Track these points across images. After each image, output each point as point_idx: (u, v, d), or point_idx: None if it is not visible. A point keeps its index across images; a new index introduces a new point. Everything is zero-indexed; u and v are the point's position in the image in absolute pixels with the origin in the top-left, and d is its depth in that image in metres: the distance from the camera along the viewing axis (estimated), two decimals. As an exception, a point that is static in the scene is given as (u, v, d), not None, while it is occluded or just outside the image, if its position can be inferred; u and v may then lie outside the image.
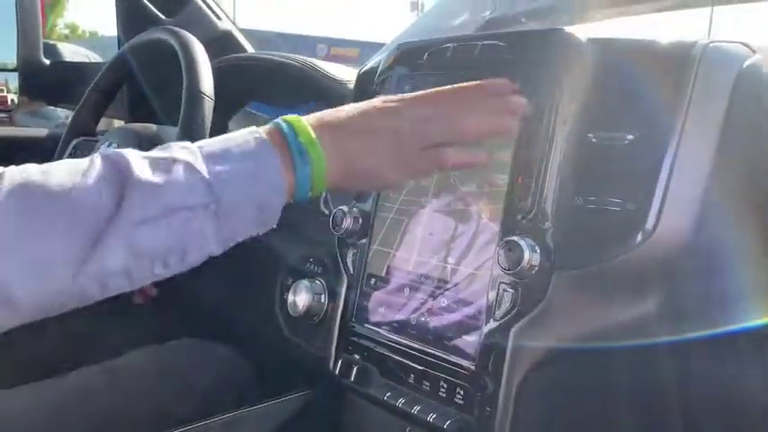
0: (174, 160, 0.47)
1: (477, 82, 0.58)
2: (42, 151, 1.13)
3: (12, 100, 1.41)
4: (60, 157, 1.01)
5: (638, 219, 0.54)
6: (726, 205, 0.55)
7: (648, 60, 0.57)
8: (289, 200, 0.52)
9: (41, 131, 1.27)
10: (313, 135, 0.51)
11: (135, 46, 0.98)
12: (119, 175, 0.45)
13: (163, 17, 1.16)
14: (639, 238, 0.54)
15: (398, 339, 0.67)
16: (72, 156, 1.01)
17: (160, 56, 0.93)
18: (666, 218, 0.53)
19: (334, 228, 0.73)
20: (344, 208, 0.73)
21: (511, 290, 0.58)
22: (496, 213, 0.61)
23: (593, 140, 0.58)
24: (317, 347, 0.76)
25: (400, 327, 0.67)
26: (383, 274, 0.70)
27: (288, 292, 0.81)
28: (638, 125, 0.56)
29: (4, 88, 1.46)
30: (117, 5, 1.20)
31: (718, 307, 0.55)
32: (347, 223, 0.72)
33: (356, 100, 0.81)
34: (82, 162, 0.46)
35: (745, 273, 0.55)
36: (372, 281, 0.71)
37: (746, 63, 0.56)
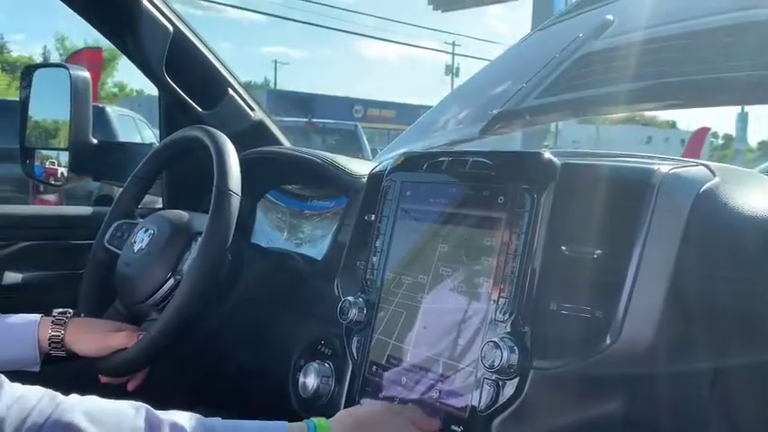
0: None
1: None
2: (87, 228, 1.24)
3: (62, 173, 1.53)
4: (102, 237, 1.11)
5: (605, 325, 0.61)
6: (684, 315, 0.61)
7: (614, 185, 0.64)
8: None
9: (87, 210, 1.38)
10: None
11: (173, 141, 1.09)
12: None
13: (200, 110, 1.27)
14: (606, 343, 0.60)
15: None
16: (113, 236, 1.11)
17: (195, 150, 1.04)
18: (629, 326, 0.60)
19: (340, 316, 0.81)
20: (351, 298, 0.81)
21: (492, 386, 0.65)
22: (482, 314, 0.68)
23: (567, 253, 0.65)
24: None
25: (396, 413, 0.73)
26: (383, 362, 0.77)
27: (300, 372, 0.89)
28: (606, 241, 0.63)
29: (56, 162, 1.59)
30: (159, 97, 1.33)
31: (676, 413, 0.61)
32: (353, 313, 0.80)
33: (366, 196, 0.90)
34: (128, 410, 0.58)
35: (700, 380, 0.60)
36: (374, 368, 0.78)
37: (704, 187, 0.63)
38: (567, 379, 0.62)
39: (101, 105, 7.01)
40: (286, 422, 0.65)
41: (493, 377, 0.64)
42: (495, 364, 0.63)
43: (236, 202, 0.91)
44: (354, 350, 0.81)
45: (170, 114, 1.32)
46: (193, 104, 1.26)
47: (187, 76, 1.26)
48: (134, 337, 0.93)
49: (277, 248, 1.18)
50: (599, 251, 0.63)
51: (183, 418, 0.60)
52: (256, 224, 1.28)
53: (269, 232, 1.24)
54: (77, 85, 1.38)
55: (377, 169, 0.91)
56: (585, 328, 0.62)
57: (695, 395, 0.62)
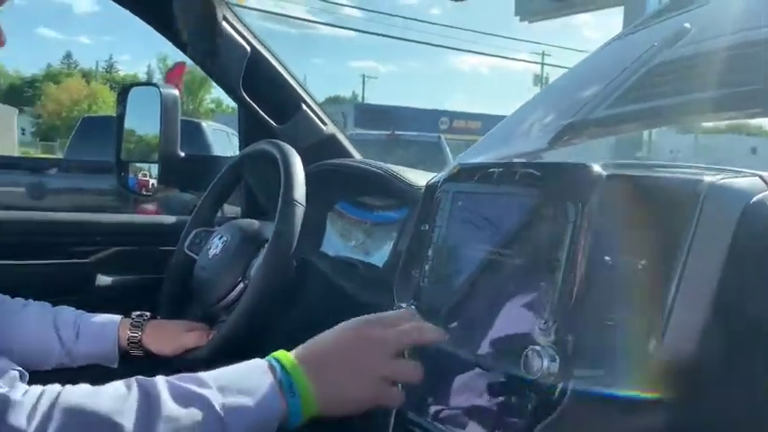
0: (195, 395, 0.60)
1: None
2: (169, 236, 1.34)
3: (153, 184, 1.65)
4: (183, 244, 1.20)
5: (647, 337, 0.61)
6: (728, 332, 0.60)
7: (659, 196, 0.64)
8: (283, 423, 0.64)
9: (170, 219, 1.48)
10: (301, 373, 0.65)
11: (247, 155, 1.16)
12: (149, 408, 0.58)
13: (274, 124, 1.35)
14: (647, 354, 0.60)
15: (443, 430, 0.75)
16: (192, 242, 1.19)
17: (267, 163, 1.11)
18: (670, 338, 0.59)
19: (397, 322, 0.84)
20: (404, 305, 0.84)
21: (533, 393, 0.66)
22: (526, 322, 0.69)
23: (611, 263, 0.65)
24: (382, 427, 0.86)
25: (445, 419, 0.75)
26: (432, 368, 0.79)
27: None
28: (650, 252, 0.63)
29: (148, 173, 1.72)
30: (239, 112, 1.41)
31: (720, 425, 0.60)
32: (407, 319, 0.82)
33: (423, 206, 0.93)
34: (122, 390, 0.59)
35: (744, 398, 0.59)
36: (426, 372, 0.80)
37: (754, 199, 0.62)
38: (607, 389, 0.62)
39: (197, 121, 7.41)
40: (261, 360, 0.66)
41: (534, 385, 0.65)
42: (536, 372, 0.64)
43: (300, 211, 0.97)
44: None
45: (248, 128, 1.40)
46: (268, 119, 1.34)
47: (263, 92, 1.34)
48: (205, 337, 1.00)
49: (343, 256, 1.22)
50: (643, 262, 0.63)
51: (172, 377, 0.63)
52: (326, 234, 1.33)
53: (337, 241, 1.29)
54: (167, 103, 1.49)
55: (433, 180, 0.94)
56: (627, 338, 0.62)
57: (736, 413, 0.60)
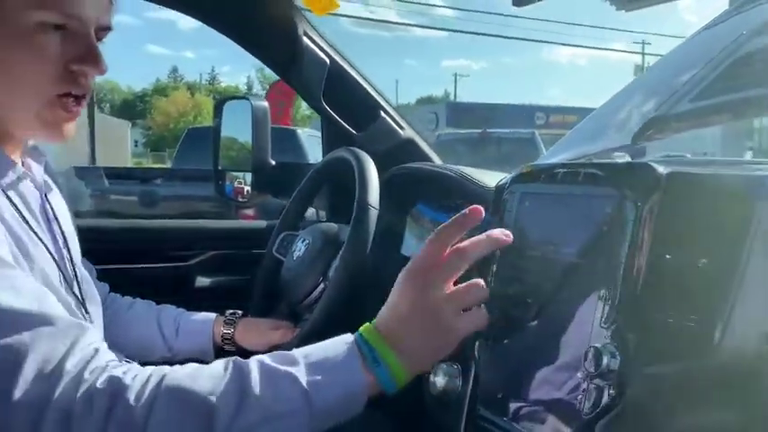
0: (282, 373, 0.64)
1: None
2: (261, 239, 1.42)
3: (247, 191, 1.77)
4: (272, 247, 1.28)
5: (708, 336, 0.61)
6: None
7: (721, 193, 0.64)
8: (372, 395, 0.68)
9: (261, 224, 1.58)
10: (384, 344, 0.69)
11: (326, 162, 1.22)
12: (241, 386, 0.63)
13: (354, 131, 1.41)
14: (708, 353, 0.60)
15: (507, 425, 0.77)
16: (280, 245, 1.26)
17: (345, 170, 1.16)
18: (730, 338, 0.59)
19: (464, 320, 0.87)
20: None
21: (595, 390, 0.67)
22: (589, 320, 0.70)
23: (672, 261, 0.65)
24: (453, 424, 0.89)
25: (511, 413, 0.78)
26: (499, 366, 0.82)
27: (432, 372, 0.96)
28: (712, 251, 0.63)
29: (243, 182, 1.84)
30: (321, 121, 1.49)
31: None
32: (475, 319, 0.85)
33: (493, 208, 0.95)
34: (220, 370, 0.64)
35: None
36: (495, 369, 0.83)
37: (822, 195, 0.60)
38: (669, 387, 0.63)
39: (292, 128, 7.69)
40: (350, 336, 0.71)
41: (596, 381, 0.67)
42: (597, 369, 0.65)
43: (373, 214, 1.01)
44: (477, 353, 0.87)
45: (329, 136, 1.47)
46: (347, 127, 1.40)
47: (342, 101, 1.40)
48: (290, 335, 1.06)
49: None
50: (704, 260, 0.63)
51: (265, 356, 0.68)
52: (405, 236, 1.38)
53: (415, 243, 1.33)
54: (257, 114, 1.58)
55: (502, 181, 0.96)
56: (688, 336, 0.62)
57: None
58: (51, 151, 0.96)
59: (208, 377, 0.64)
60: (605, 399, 0.66)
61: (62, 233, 0.88)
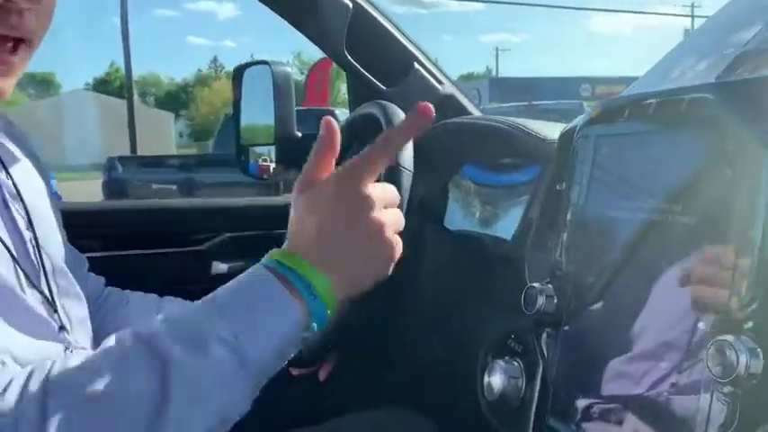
0: (203, 335, 0.50)
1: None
2: (282, 218, 1.25)
3: (273, 169, 1.59)
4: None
5: None
6: None
7: None
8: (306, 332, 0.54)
9: (282, 200, 1.40)
10: (313, 269, 0.54)
11: (350, 121, 1.03)
12: (160, 366, 0.47)
13: (383, 87, 1.21)
14: None
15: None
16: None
17: (374, 128, 0.97)
18: None
19: (525, 307, 0.67)
20: (538, 285, 0.67)
21: (726, 403, 0.47)
22: (712, 304, 0.49)
23: (840, 214, 0.44)
24: (513, 434, 0.70)
25: (593, 428, 0.58)
26: (582, 364, 0.62)
27: (486, 371, 0.77)
28: None
29: (267, 158, 1.66)
30: (347, 77, 1.29)
31: None
32: (540, 303, 0.66)
33: (558, 161, 0.75)
34: (120, 352, 0.49)
35: None
36: (569, 370, 0.63)
37: None
38: None
39: (330, 109, 7.55)
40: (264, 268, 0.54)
41: (726, 391, 0.46)
42: (729, 373, 0.45)
43: (407, 178, 0.82)
44: (545, 347, 0.67)
45: (356, 95, 1.28)
46: (375, 81, 1.20)
47: (369, 53, 1.21)
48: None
49: (466, 230, 1.06)
50: None
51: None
52: (448, 206, 1.18)
53: (460, 213, 1.13)
54: (278, 81, 1.39)
55: (569, 127, 0.75)
56: None
57: None
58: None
59: (111, 369, 0.48)
60: (741, 414, 0.46)
61: (26, 213, 0.71)
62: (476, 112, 1.30)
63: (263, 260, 0.55)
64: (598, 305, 0.61)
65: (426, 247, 1.05)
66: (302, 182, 0.59)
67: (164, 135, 24.28)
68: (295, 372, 0.96)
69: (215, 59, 65.24)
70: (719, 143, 0.51)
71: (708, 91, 0.54)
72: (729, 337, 0.46)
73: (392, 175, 0.82)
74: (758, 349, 0.45)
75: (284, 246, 0.56)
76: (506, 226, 0.99)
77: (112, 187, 6.27)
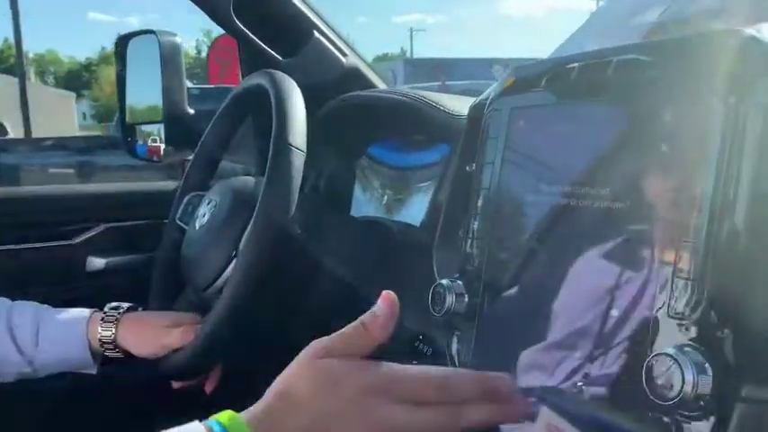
0: None
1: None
2: (169, 206, 1.11)
3: (164, 149, 1.43)
4: (175, 214, 0.97)
5: None
6: None
7: None
8: None
9: (170, 185, 1.25)
10: None
11: (237, 94, 0.90)
12: None
13: (280, 58, 1.08)
14: None
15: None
16: (184, 212, 0.95)
17: (264, 102, 0.85)
18: None
19: (433, 308, 0.58)
20: (446, 281, 0.58)
21: (669, 428, 0.39)
22: (646, 307, 0.41)
23: (798, 198, 0.36)
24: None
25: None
26: (496, 367, 0.53)
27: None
28: None
29: (158, 138, 1.49)
30: (239, 48, 1.16)
31: None
32: (449, 302, 0.57)
33: (466, 138, 0.66)
34: None
35: None
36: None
37: None
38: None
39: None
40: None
41: (670, 414, 0.38)
42: (672, 392, 0.37)
43: (298, 159, 0.71)
44: (455, 351, 0.58)
45: (247, 65, 1.14)
46: (271, 52, 1.07)
47: (263, 20, 1.07)
48: (191, 334, 0.76)
49: (372, 217, 0.96)
50: None
51: None
52: (355, 192, 1.07)
53: (366, 199, 1.03)
54: (165, 52, 1.24)
55: (479, 99, 0.66)
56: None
57: None
58: None
59: None
60: (689, 444, 0.38)
61: None
62: (380, 85, 1.19)
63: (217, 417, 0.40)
64: (513, 302, 0.53)
65: (329, 236, 0.94)
66: (327, 348, 0.42)
67: (66, 116, 22.86)
68: (176, 385, 0.84)
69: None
70: (658, 110, 0.43)
71: (639, 51, 0.45)
72: (670, 350, 0.38)
73: (281, 154, 0.70)
74: (705, 364, 0.37)
75: (244, 413, 0.40)
76: (415, 212, 0.89)
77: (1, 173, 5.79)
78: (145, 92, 1.55)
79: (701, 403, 0.37)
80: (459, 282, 0.57)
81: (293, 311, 0.82)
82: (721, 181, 0.38)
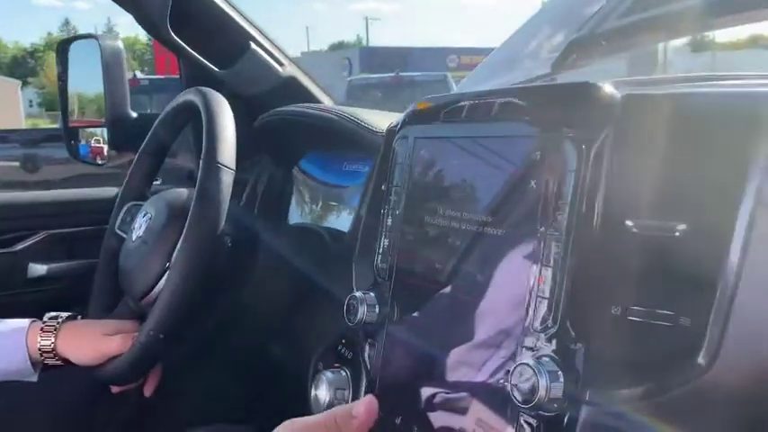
0: None
1: None
2: (109, 210, 1.13)
3: (107, 152, 1.45)
4: (114, 223, 1.00)
5: (696, 338, 0.39)
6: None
7: (705, 121, 0.42)
8: None
9: (110, 191, 1.28)
10: None
11: (173, 108, 0.94)
12: None
13: (216, 69, 1.12)
14: (698, 363, 0.39)
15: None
16: (123, 221, 0.99)
17: (194, 115, 0.89)
18: (732, 338, 0.38)
19: (348, 318, 0.63)
20: (359, 293, 0.63)
21: (530, 427, 0.45)
22: (517, 323, 0.48)
23: (634, 230, 0.43)
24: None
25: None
26: (399, 381, 0.59)
27: (313, 383, 0.73)
28: (693, 210, 0.41)
29: (101, 139, 1.51)
30: (178, 61, 1.19)
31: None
32: (362, 312, 0.62)
33: (383, 158, 0.71)
34: None
35: None
36: (388, 385, 0.60)
37: None
38: (639, 417, 0.41)
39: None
40: None
41: (529, 415, 0.45)
42: (531, 398, 0.43)
43: (227, 177, 0.75)
44: (367, 357, 0.64)
45: (189, 78, 1.17)
46: (208, 64, 1.11)
47: (199, 32, 1.11)
48: (129, 342, 0.80)
49: (307, 225, 1.01)
50: (683, 226, 0.41)
51: None
52: (292, 201, 1.12)
53: (302, 207, 1.08)
54: (107, 57, 1.27)
55: (394, 123, 0.71)
56: (666, 341, 0.41)
57: None
58: None
59: None
60: (544, 439, 0.44)
61: None
62: (320, 95, 1.24)
63: None
64: (416, 314, 0.59)
65: (266, 242, 0.99)
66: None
67: (11, 104, 22.09)
68: (115, 389, 0.88)
69: (66, 22, 60.29)
70: (529, 149, 0.49)
71: (518, 95, 0.51)
72: (530, 360, 0.44)
73: (210, 173, 0.75)
74: (559, 372, 0.43)
75: None
76: (345, 220, 0.95)
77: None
78: (87, 95, 1.57)
79: (555, 405, 0.43)
80: (372, 294, 0.63)
81: (225, 316, 0.87)
82: (574, 216, 0.44)
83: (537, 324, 0.46)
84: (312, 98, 1.21)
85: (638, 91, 0.45)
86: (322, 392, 0.69)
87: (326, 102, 1.24)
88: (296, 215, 1.08)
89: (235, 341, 0.94)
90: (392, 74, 8.28)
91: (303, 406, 0.76)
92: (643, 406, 0.41)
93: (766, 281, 0.38)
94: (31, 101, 42.44)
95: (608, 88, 0.45)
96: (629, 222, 0.43)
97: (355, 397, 0.67)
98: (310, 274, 0.91)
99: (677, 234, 0.41)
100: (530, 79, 1.06)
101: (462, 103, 0.56)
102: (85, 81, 1.52)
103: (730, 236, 0.39)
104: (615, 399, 0.42)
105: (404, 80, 7.95)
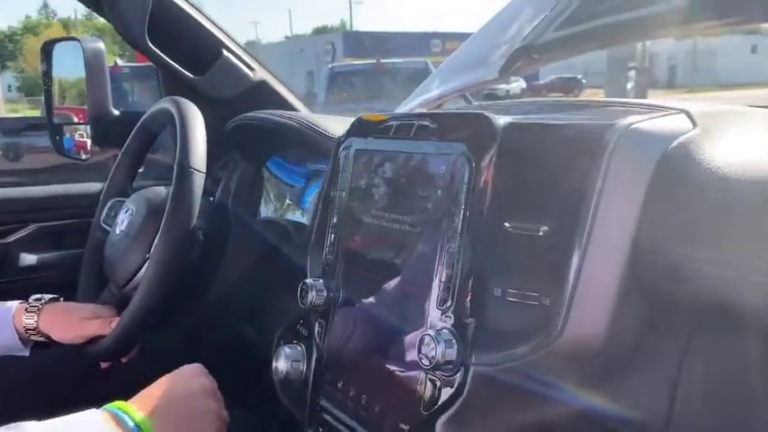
0: None
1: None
2: (94, 205, 1.24)
3: (91, 146, 1.54)
4: (99, 217, 1.11)
5: (553, 314, 0.52)
6: (644, 303, 0.50)
7: (562, 146, 0.54)
8: None
9: (95, 186, 1.38)
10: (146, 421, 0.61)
11: (152, 114, 1.04)
12: None
13: (191, 76, 1.22)
14: (554, 334, 0.51)
15: (347, 420, 0.67)
16: (108, 215, 1.09)
17: (168, 122, 0.99)
18: (576, 314, 0.50)
19: (300, 301, 0.75)
20: (310, 281, 0.75)
21: (433, 384, 0.57)
22: (426, 302, 0.60)
23: (510, 230, 0.55)
24: (298, 414, 0.79)
25: (351, 408, 0.68)
26: (340, 351, 0.71)
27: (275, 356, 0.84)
28: (553, 215, 0.53)
29: (85, 134, 1.60)
30: (156, 69, 1.29)
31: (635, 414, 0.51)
32: (311, 297, 0.74)
33: (332, 164, 0.83)
34: None
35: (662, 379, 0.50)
36: (333, 357, 0.72)
37: (674, 143, 0.52)
38: (509, 377, 0.54)
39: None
40: (97, 411, 0.62)
41: (432, 375, 0.57)
42: (432, 361, 0.55)
43: (198, 179, 0.86)
44: (317, 335, 0.76)
45: (166, 84, 1.28)
46: (183, 71, 1.21)
47: (174, 41, 1.21)
48: (108, 325, 0.91)
49: (274, 218, 1.13)
50: (545, 227, 0.53)
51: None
52: (262, 198, 1.23)
53: (271, 202, 1.19)
54: (89, 58, 1.35)
55: (341, 134, 0.83)
56: (533, 316, 0.53)
57: (655, 397, 0.52)
58: None
59: None
60: (443, 395, 0.57)
61: None
62: (289, 98, 1.34)
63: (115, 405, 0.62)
64: (356, 298, 0.70)
65: (237, 234, 1.10)
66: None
67: (-12, 90, 21.85)
68: (104, 365, 0.99)
69: (45, 5, 59.29)
70: (437, 163, 0.61)
71: (430, 119, 0.63)
72: (432, 331, 0.56)
73: (183, 177, 0.86)
74: (453, 340, 0.55)
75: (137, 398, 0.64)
76: (307, 215, 1.07)
77: None
78: (71, 93, 1.66)
79: (450, 366, 0.55)
80: (321, 280, 0.75)
81: (198, 301, 0.98)
82: (466, 219, 0.56)
83: (439, 303, 0.58)
84: (283, 101, 1.32)
85: (517, 120, 0.57)
86: (281, 364, 0.80)
87: (294, 102, 1.34)
88: (265, 210, 1.19)
89: (210, 323, 1.05)
90: (374, 61, 8.35)
91: (270, 378, 0.88)
92: (516, 365, 0.53)
93: (600, 274, 0.50)
94: (9, 85, 41.89)
95: (494, 118, 0.57)
96: (507, 224, 0.55)
97: (309, 368, 0.79)
98: (276, 262, 1.03)
99: (541, 234, 0.54)
100: (476, 84, 1.18)
101: (391, 123, 0.68)
102: (69, 80, 1.62)
103: (578, 237, 0.51)
104: (496, 360, 0.54)
105: (385, 67, 8.03)
